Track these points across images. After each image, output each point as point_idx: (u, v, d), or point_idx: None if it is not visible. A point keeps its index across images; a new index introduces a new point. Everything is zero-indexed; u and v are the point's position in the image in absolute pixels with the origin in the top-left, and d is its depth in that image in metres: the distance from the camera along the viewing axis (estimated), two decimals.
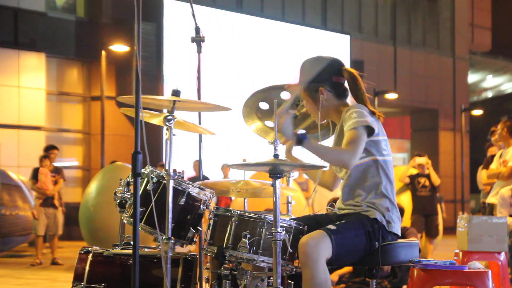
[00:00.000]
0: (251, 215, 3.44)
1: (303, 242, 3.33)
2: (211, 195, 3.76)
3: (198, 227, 3.71)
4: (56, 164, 11.24)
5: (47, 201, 10.56)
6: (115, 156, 15.56)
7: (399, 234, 3.62)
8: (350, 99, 3.70)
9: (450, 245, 11.11)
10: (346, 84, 3.70)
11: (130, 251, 3.70)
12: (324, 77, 3.62)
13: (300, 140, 3.40)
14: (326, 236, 3.35)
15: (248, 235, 3.37)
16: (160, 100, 3.72)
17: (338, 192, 3.78)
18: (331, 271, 5.89)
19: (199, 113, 4.44)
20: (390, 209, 3.56)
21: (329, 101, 3.63)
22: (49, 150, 11.11)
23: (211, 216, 3.57)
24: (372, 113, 3.56)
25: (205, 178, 4.58)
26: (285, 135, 3.45)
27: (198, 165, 14.76)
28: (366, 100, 3.64)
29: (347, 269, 7.23)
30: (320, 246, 3.31)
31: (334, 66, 3.65)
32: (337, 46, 21.38)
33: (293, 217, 3.84)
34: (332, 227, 3.41)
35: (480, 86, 35.35)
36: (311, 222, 3.61)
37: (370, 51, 23.45)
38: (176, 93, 3.60)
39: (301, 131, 3.44)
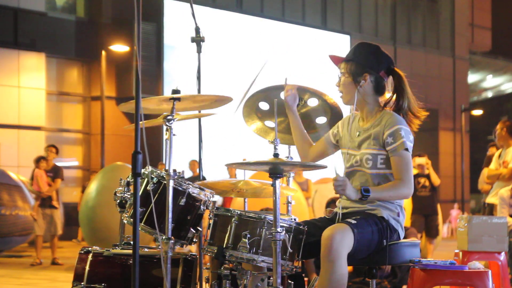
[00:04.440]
0: (251, 215, 3.44)
1: (329, 235, 3.33)
2: (211, 195, 3.76)
3: (198, 227, 3.71)
4: (58, 163, 11.29)
5: (44, 202, 10.64)
6: (115, 156, 15.57)
7: (403, 235, 3.65)
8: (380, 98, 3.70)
9: (450, 245, 11.11)
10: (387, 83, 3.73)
11: (130, 251, 3.69)
12: (373, 67, 3.65)
13: (365, 196, 3.42)
14: (349, 229, 3.37)
15: (248, 235, 3.37)
16: (160, 102, 3.71)
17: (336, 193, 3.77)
18: None
19: (199, 112, 4.43)
20: (400, 213, 3.63)
21: (365, 90, 3.64)
22: (47, 148, 11.16)
23: (211, 216, 3.57)
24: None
25: (203, 178, 4.57)
26: (349, 197, 3.45)
27: (193, 164, 14.69)
28: (413, 106, 3.72)
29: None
30: (345, 241, 3.33)
31: (386, 61, 3.69)
32: (337, 46, 21.38)
33: (293, 217, 3.83)
34: (352, 221, 3.44)
35: (480, 86, 35.38)
36: (311, 226, 3.60)
37: None
38: (176, 93, 3.60)
39: (364, 187, 3.43)
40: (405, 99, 3.71)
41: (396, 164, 3.52)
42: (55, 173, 10.82)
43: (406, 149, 3.51)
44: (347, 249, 3.35)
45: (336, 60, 3.74)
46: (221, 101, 3.78)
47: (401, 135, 3.52)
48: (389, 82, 3.68)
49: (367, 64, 3.64)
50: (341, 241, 3.32)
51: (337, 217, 3.59)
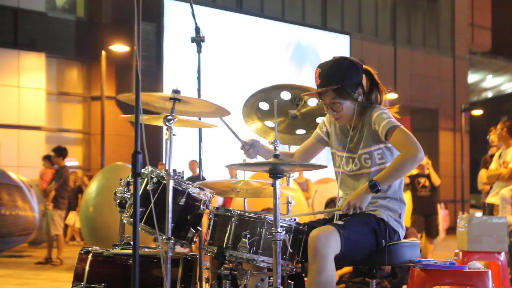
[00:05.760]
0: (251, 215, 3.44)
1: (314, 236, 3.34)
2: (211, 195, 3.76)
3: (198, 227, 3.71)
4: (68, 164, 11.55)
5: (44, 202, 10.97)
6: (115, 156, 15.57)
7: (403, 234, 3.65)
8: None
9: (450, 245, 11.12)
10: None
11: (130, 251, 3.70)
12: (358, 78, 3.63)
13: (376, 191, 3.43)
14: (336, 231, 3.37)
15: (248, 235, 3.37)
16: (160, 101, 3.72)
17: (336, 192, 3.78)
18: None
19: None
20: (401, 212, 3.63)
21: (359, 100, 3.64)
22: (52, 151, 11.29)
23: (211, 216, 3.57)
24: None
25: (203, 178, 4.57)
26: (367, 203, 3.48)
27: (193, 164, 14.70)
28: (384, 100, 3.69)
29: (347, 269, 7.23)
30: (330, 241, 3.33)
31: (361, 66, 3.67)
32: (337, 46, 21.38)
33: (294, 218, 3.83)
34: (339, 222, 3.44)
35: (480, 86, 35.38)
36: (310, 228, 3.60)
37: (370, 51, 23.47)
38: (176, 93, 3.60)
39: (371, 182, 3.44)
40: (377, 92, 3.70)
41: (395, 139, 3.50)
42: (55, 175, 10.90)
43: (394, 126, 3.50)
44: (334, 250, 3.34)
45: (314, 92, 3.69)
46: (219, 112, 3.77)
47: (383, 117, 3.52)
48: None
49: (354, 79, 3.60)
50: (326, 242, 3.32)
51: (335, 218, 3.59)
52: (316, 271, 3.30)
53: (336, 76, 3.57)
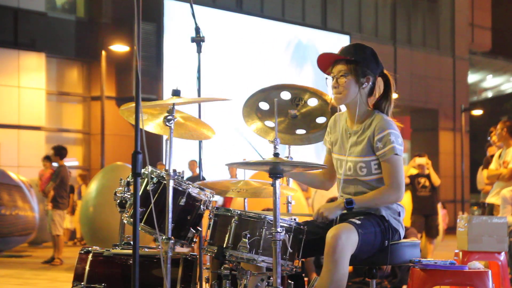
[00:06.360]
0: (251, 215, 3.44)
1: (334, 235, 3.34)
2: (211, 195, 3.76)
3: (198, 227, 3.71)
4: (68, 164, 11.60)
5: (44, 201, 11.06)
6: (115, 156, 15.58)
7: (403, 234, 3.66)
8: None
9: (450, 245, 11.12)
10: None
11: (130, 251, 3.70)
12: (374, 70, 3.65)
13: (349, 208, 3.47)
14: (355, 230, 3.38)
15: (248, 235, 3.37)
16: (161, 104, 3.72)
17: (337, 192, 3.77)
18: None
19: (199, 112, 4.42)
20: (401, 212, 3.63)
21: (363, 92, 3.64)
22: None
23: (211, 216, 3.57)
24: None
25: (203, 178, 4.57)
26: (336, 216, 3.52)
27: (193, 164, 14.71)
28: (389, 109, 3.72)
29: None
30: (350, 241, 3.35)
31: (381, 65, 3.70)
32: (337, 46, 21.36)
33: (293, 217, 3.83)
34: (356, 221, 3.45)
35: (480, 86, 35.38)
36: (311, 225, 3.60)
37: None
38: (176, 93, 3.60)
39: (347, 200, 3.48)
40: (388, 102, 3.72)
41: (386, 170, 3.53)
42: (53, 175, 10.91)
43: (396, 154, 3.52)
44: (352, 249, 3.36)
45: (329, 58, 3.67)
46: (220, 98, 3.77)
47: (390, 140, 3.52)
48: (377, 84, 3.69)
49: (369, 67, 3.62)
50: (347, 241, 3.33)
51: (336, 217, 3.58)
52: (333, 270, 3.31)
53: (354, 52, 3.61)
